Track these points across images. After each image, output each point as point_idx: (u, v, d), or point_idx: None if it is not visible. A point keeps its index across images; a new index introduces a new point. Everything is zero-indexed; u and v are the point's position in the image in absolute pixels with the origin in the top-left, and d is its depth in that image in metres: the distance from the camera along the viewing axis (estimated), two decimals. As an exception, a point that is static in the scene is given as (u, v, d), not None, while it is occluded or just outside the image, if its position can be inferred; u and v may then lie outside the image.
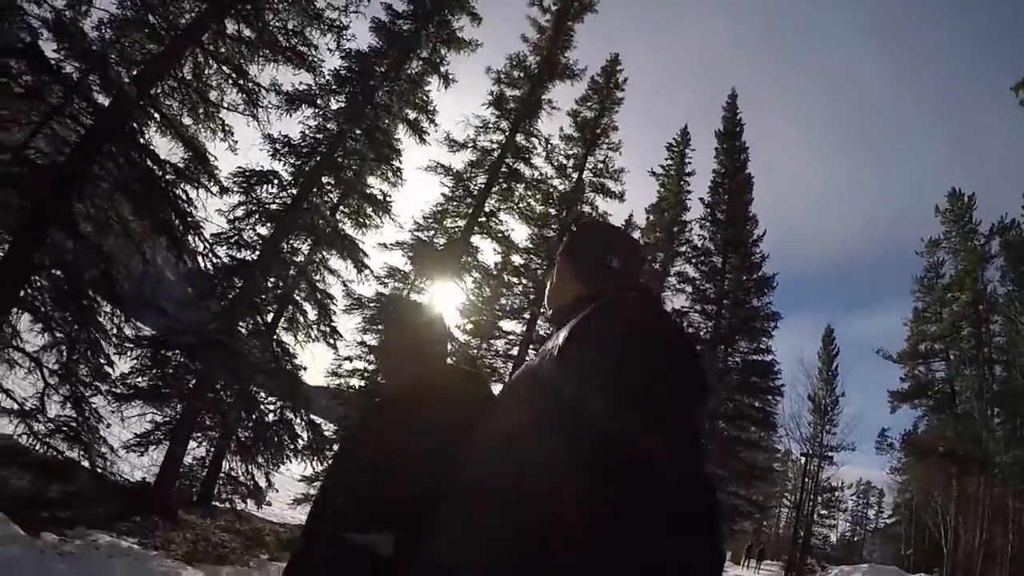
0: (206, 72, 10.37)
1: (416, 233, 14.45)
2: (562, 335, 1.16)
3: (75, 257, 7.86)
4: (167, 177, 8.68)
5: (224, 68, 10.37)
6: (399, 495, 1.48)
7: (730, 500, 21.00)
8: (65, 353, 7.78)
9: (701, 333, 21.38)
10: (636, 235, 21.35)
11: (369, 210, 12.99)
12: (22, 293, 7.57)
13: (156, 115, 9.46)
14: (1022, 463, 18.30)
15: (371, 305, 13.30)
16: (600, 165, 17.32)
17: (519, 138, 15.41)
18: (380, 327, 12.55)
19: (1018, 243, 21.60)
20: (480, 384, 1.81)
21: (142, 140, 8.79)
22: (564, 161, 17.03)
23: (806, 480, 30.25)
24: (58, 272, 7.85)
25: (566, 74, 15.91)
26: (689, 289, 22.41)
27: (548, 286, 1.54)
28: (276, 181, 11.16)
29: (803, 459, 30.52)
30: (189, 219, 8.60)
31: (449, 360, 2.00)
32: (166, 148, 9.44)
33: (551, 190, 16.36)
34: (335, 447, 10.57)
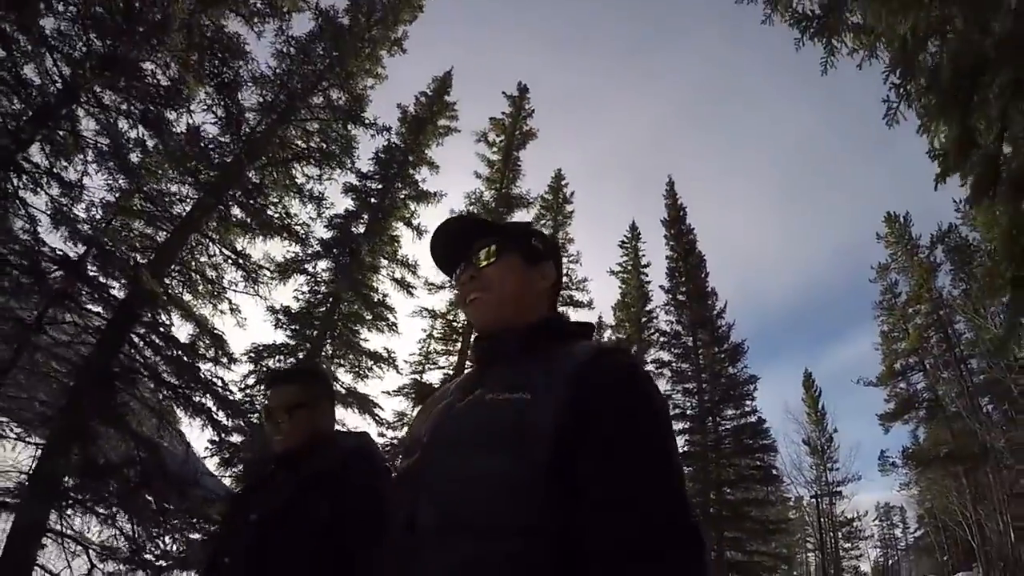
0: (207, 254, 11.69)
1: (414, 376, 15.70)
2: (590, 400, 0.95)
3: (122, 445, 8.62)
4: (197, 364, 9.73)
5: (224, 250, 11.72)
6: (289, 548, 1.52)
7: (752, 559, 21.34)
8: (116, 536, 8.38)
9: (687, 411, 22.43)
10: (607, 336, 22.61)
11: (371, 364, 14.11)
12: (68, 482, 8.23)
13: (164, 296, 10.58)
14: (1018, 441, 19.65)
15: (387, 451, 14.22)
16: (564, 279, 18.68)
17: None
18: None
19: (960, 246, 23.44)
20: (366, 440, 1.88)
21: (165, 329, 9.88)
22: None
23: (822, 520, 30.50)
24: (102, 461, 8.53)
25: (520, 204, 17.97)
26: (668, 373, 23.59)
27: (488, 285, 1.20)
28: (282, 350, 12.31)
29: (814, 501, 30.97)
30: (232, 405, 9.51)
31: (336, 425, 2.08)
32: (175, 325, 10.54)
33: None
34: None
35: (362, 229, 14.35)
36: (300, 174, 12.50)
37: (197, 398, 9.43)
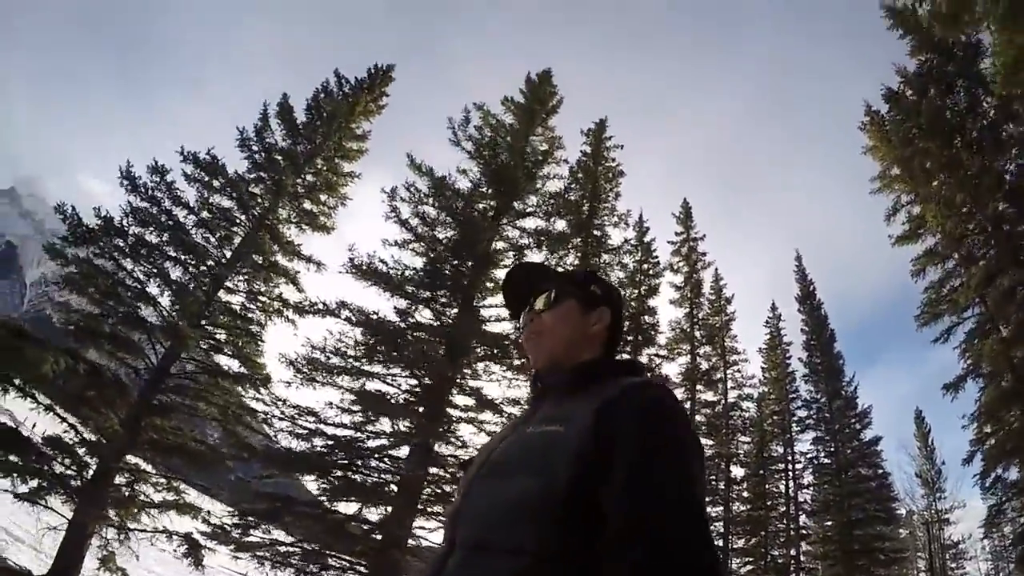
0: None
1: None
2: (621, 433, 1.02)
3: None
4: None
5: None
6: None
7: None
8: None
9: (829, 464, 27.44)
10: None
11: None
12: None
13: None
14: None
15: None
16: (738, 374, 23.78)
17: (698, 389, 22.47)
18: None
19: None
20: None
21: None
22: (712, 376, 23.45)
23: (931, 545, 33.53)
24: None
25: (716, 331, 23.03)
26: (809, 435, 28.06)
27: (545, 326, 1.34)
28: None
29: (924, 527, 34.04)
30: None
31: None
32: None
33: (713, 418, 22.93)
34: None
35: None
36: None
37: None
